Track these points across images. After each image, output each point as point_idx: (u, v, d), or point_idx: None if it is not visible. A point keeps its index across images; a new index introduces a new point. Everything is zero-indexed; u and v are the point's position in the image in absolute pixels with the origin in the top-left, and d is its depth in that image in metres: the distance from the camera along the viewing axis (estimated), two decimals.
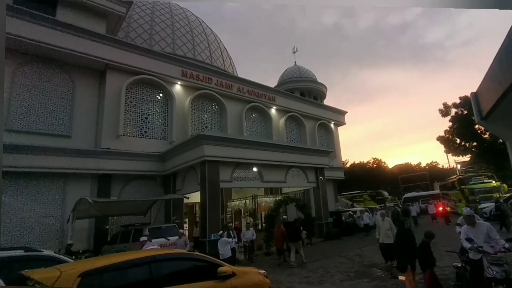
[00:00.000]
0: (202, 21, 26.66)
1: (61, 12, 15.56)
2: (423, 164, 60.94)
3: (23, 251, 5.37)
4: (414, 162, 63.14)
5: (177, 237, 10.95)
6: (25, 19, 13.03)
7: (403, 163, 61.52)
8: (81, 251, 11.54)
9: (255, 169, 15.60)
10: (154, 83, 16.98)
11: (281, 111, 24.14)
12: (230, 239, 10.40)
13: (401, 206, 29.11)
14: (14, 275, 4.19)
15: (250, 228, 14.04)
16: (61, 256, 5.88)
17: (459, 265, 5.80)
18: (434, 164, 60.29)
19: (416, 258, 6.03)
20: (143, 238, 8.94)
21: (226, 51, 27.60)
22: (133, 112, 16.09)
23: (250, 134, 21.47)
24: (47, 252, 5.98)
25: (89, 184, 14.03)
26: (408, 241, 6.32)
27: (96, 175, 14.25)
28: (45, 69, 14.09)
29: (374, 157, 61.30)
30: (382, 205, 28.71)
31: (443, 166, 56.69)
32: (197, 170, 14.27)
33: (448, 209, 25.57)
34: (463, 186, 26.65)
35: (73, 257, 6.76)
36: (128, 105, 15.85)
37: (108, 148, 14.32)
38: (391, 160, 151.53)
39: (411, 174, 51.25)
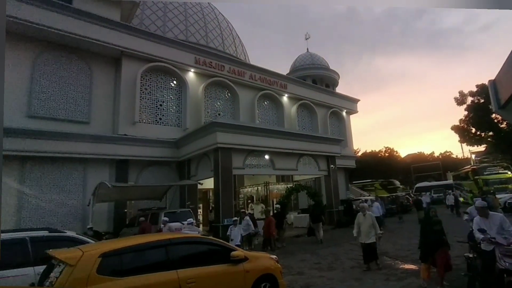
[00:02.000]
0: (215, 7, 26.34)
1: (77, 0, 15.65)
2: (437, 154, 59.66)
3: (47, 231, 5.60)
4: (427, 151, 61.82)
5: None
6: (43, 7, 13.15)
7: (416, 152, 60.45)
8: (102, 232, 11.96)
9: (267, 156, 15.65)
10: (168, 70, 17.04)
11: (293, 98, 23.94)
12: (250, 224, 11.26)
13: (412, 196, 28.80)
14: (39, 254, 4.40)
15: (246, 218, 11.73)
16: (83, 237, 6.11)
17: (471, 255, 5.75)
18: (447, 153, 58.96)
19: (431, 246, 5.94)
20: (165, 219, 10.31)
21: (238, 37, 27.30)
22: (148, 99, 16.27)
23: (262, 122, 21.44)
24: (69, 233, 6.22)
25: (108, 169, 14.41)
26: (428, 229, 6.11)
27: (114, 160, 14.59)
28: (64, 56, 14.32)
29: (386, 146, 60.28)
30: (393, 194, 28.43)
31: (457, 156, 55.42)
32: (210, 157, 14.43)
33: (461, 199, 25.15)
34: (477, 177, 26.04)
35: (95, 239, 7.02)
36: (143, 92, 16.02)
37: (125, 135, 14.60)
38: (404, 149, 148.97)
39: (424, 164, 50.41)
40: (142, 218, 11.56)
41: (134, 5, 18.35)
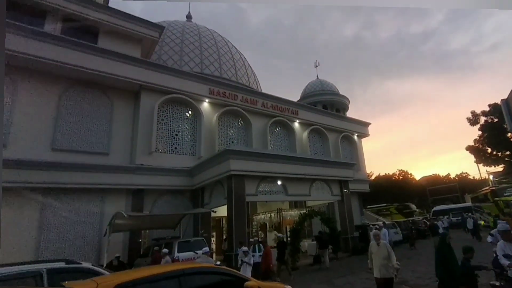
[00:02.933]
0: (228, 40, 27.41)
1: (102, 40, 16.62)
2: (453, 175, 57.61)
3: (64, 263, 5.62)
4: (442, 173, 60.02)
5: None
6: (71, 47, 14.02)
7: (431, 174, 58.49)
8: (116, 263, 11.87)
9: (279, 182, 15.51)
10: (184, 101, 17.54)
11: (304, 124, 24.03)
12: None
13: (429, 220, 27.61)
14: (56, 285, 4.41)
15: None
16: (98, 269, 6.10)
17: (497, 283, 5.38)
18: (464, 175, 56.87)
19: (458, 277, 5.42)
20: (165, 250, 10.16)
21: (251, 68, 28.07)
22: (164, 129, 16.67)
23: (274, 148, 21.48)
24: (85, 264, 6.22)
25: (124, 199, 14.54)
26: (450, 257, 5.47)
27: (131, 190, 14.76)
28: (87, 92, 15.00)
29: (400, 168, 58.62)
30: (410, 219, 27.33)
31: (474, 177, 53.39)
32: (223, 184, 14.41)
33: (481, 222, 23.94)
34: (496, 198, 24.87)
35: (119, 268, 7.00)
36: (160, 123, 16.46)
37: (141, 164, 14.87)
38: (418, 172, 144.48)
39: (440, 186, 48.63)
40: (156, 248, 11.46)
41: (154, 42, 19.27)
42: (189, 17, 29.67)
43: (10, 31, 12.55)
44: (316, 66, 34.57)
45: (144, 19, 18.13)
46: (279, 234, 13.70)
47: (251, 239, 13.95)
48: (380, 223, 20.31)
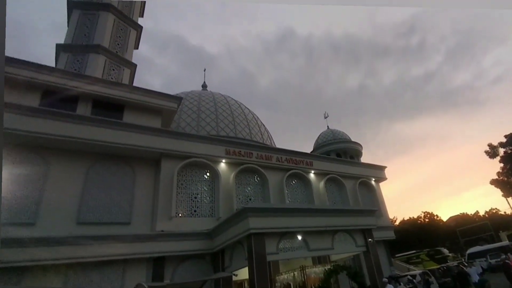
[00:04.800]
0: (241, 103, 28.48)
1: (127, 115, 17.51)
2: (482, 213, 52.92)
3: None
4: (470, 211, 55.18)
5: None
6: (99, 125, 14.80)
7: (458, 214, 53.87)
8: None
9: (299, 237, 14.56)
10: (202, 164, 17.65)
11: (320, 174, 23.37)
12: None
13: (466, 264, 24.60)
14: None
15: None
16: None
17: None
18: (494, 211, 52.10)
19: None
20: None
21: (263, 125, 28.60)
22: (184, 193, 16.56)
23: (292, 201, 20.73)
24: None
25: (145, 268, 13.91)
26: None
27: (151, 258, 14.17)
28: (112, 164, 15.39)
29: (424, 210, 54.48)
30: (444, 265, 24.56)
31: (505, 212, 48.69)
32: (243, 245, 13.66)
33: None
34: None
35: None
36: (179, 187, 16.43)
37: (162, 231, 14.50)
38: (444, 212, 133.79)
39: (470, 226, 44.37)
40: None
41: (173, 112, 20.18)
42: (204, 86, 31.53)
43: (47, 117, 13.52)
44: (325, 117, 34.88)
45: (164, 93, 19.22)
46: None
47: None
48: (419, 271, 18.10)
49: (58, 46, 19.04)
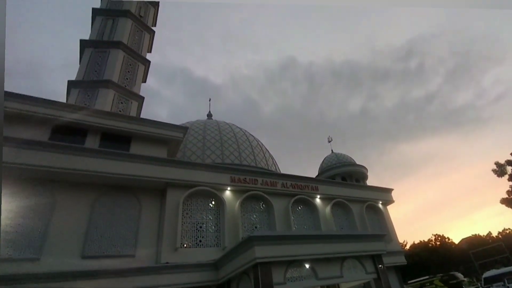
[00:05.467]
0: (245, 130, 28.64)
1: (134, 146, 17.63)
2: (494, 233, 50.56)
3: None
4: (482, 232, 52.69)
5: None
6: (107, 157, 14.85)
7: (471, 235, 51.52)
8: None
9: (307, 265, 13.93)
10: (207, 192, 17.41)
11: (326, 199, 22.84)
12: None
13: None
14: None
15: None
16: None
17: None
18: (507, 231, 49.80)
19: None
20: None
21: (268, 151, 28.52)
22: (189, 223, 16.20)
23: (299, 228, 20.14)
24: None
25: None
26: None
27: None
28: (118, 196, 15.25)
29: (434, 233, 52.12)
30: None
31: None
32: (250, 275, 13.07)
33: None
34: None
35: None
36: (184, 217, 16.10)
37: (167, 263, 14.02)
38: (455, 234, 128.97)
39: (484, 248, 42.22)
40: None
41: (179, 142, 20.28)
42: (209, 115, 31.97)
43: (56, 151, 13.65)
44: (329, 141, 34.70)
45: (170, 124, 19.44)
46: None
47: None
48: None
49: (70, 83, 19.70)
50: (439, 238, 45.69)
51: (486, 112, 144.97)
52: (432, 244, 44.58)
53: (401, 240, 33.68)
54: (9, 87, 19.01)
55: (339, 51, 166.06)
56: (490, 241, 46.31)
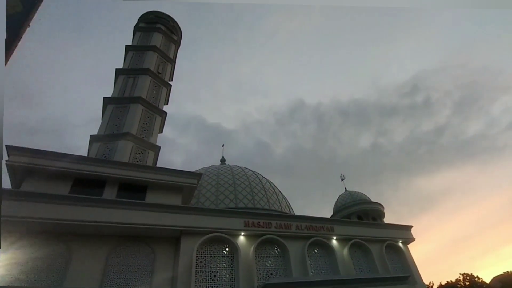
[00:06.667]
0: (258, 173, 28.40)
1: (150, 194, 17.57)
2: None
3: None
4: None
5: None
6: (123, 207, 14.78)
7: (503, 273, 46.51)
8: None
9: None
10: (221, 239, 16.79)
11: (343, 240, 21.50)
12: None
13: None
14: None
15: None
16: None
17: None
18: None
19: None
20: None
21: (281, 193, 27.87)
22: (203, 271, 15.42)
23: (316, 272, 18.73)
24: None
25: None
26: None
27: None
28: (132, 246, 14.89)
29: (462, 272, 47.19)
30: None
31: None
32: None
33: None
34: None
35: None
36: (198, 265, 15.38)
37: None
38: (485, 273, 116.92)
39: None
40: None
41: (193, 188, 20.15)
42: (223, 160, 32.18)
43: (75, 204, 13.71)
44: (342, 179, 33.79)
45: (184, 171, 19.51)
46: None
47: None
48: None
49: (92, 137, 20.50)
50: (468, 278, 41.07)
51: (499, 140, 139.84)
52: (460, 284, 39.96)
53: (426, 282, 30.67)
54: (33, 144, 20.03)
55: (345, 91, 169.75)
56: None
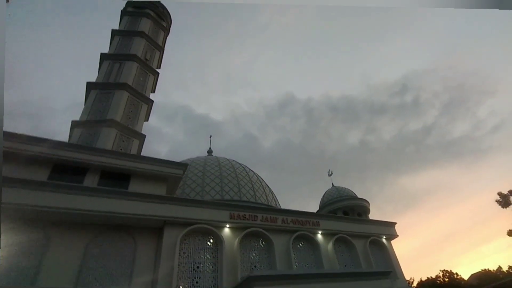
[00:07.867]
0: (245, 166, 28.39)
1: (133, 184, 17.28)
2: (504, 268, 47.72)
3: None
4: (492, 267, 49.87)
5: None
6: (105, 196, 14.47)
7: (480, 270, 48.62)
8: None
9: None
10: (205, 230, 16.73)
11: (328, 234, 21.85)
12: None
13: None
14: None
15: None
16: None
17: None
18: None
19: None
20: None
21: (268, 187, 28.00)
22: (185, 263, 15.34)
23: (300, 266, 19.01)
24: None
25: None
26: None
27: None
28: (113, 236, 14.65)
29: (442, 269, 48.85)
30: None
31: None
32: None
33: None
34: None
35: None
36: (181, 256, 15.29)
37: None
38: (462, 269, 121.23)
39: (496, 284, 39.54)
40: None
41: (178, 179, 19.94)
42: (210, 151, 31.96)
43: (54, 190, 13.34)
44: (329, 175, 34.16)
45: (170, 161, 19.23)
46: None
47: None
48: None
49: (73, 123, 19.92)
50: (447, 274, 42.77)
51: (484, 142, 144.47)
52: (440, 280, 41.61)
53: (407, 277, 31.65)
54: (13, 127, 19.24)
55: (336, 87, 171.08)
56: (501, 276, 43.50)
